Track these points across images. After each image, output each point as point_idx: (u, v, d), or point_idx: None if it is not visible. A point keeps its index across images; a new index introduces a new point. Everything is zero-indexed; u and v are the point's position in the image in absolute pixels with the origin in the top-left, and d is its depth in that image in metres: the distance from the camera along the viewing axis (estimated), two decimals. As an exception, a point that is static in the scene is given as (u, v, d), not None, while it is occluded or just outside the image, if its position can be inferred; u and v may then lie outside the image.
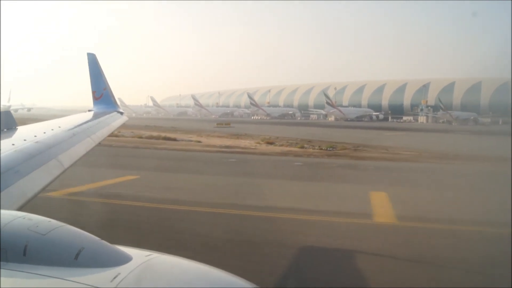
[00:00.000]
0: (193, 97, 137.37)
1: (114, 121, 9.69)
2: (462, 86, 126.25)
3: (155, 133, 40.51)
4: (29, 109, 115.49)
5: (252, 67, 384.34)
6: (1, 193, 3.36)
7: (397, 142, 39.20)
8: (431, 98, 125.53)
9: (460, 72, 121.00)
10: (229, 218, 11.26)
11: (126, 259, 2.07)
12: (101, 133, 7.52)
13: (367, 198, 13.59)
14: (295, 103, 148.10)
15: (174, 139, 35.93)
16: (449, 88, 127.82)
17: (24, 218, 2.28)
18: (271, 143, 35.08)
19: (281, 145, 33.75)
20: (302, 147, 32.59)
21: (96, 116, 9.43)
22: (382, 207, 12.53)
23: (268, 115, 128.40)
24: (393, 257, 8.57)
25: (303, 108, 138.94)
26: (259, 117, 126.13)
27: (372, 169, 21.77)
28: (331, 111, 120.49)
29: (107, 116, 9.75)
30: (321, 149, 31.33)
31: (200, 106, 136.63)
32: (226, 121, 78.76)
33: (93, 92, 11.54)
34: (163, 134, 38.57)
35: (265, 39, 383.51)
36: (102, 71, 11.99)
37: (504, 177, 17.98)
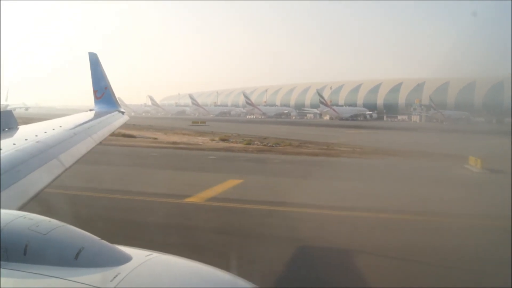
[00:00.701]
0: (191, 96, 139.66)
1: (115, 121, 9.72)
2: (456, 86, 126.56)
3: (123, 131, 42.65)
4: (26, 108, 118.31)
5: (250, 67, 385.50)
6: (2, 193, 3.34)
7: (349, 139, 40.83)
8: (426, 97, 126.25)
9: (456, 71, 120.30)
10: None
11: (126, 259, 2.09)
12: (102, 133, 7.51)
13: (214, 184, 15.80)
14: (292, 102, 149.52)
15: (132, 136, 38.01)
16: (444, 87, 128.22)
17: (24, 217, 2.29)
18: (225, 140, 37.00)
19: (232, 142, 35.67)
20: (249, 143, 34.47)
21: (97, 115, 9.47)
22: (214, 191, 14.66)
23: (263, 114, 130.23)
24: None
25: (300, 108, 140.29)
26: (254, 116, 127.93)
27: (278, 162, 23.69)
28: (325, 110, 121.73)
29: (108, 115, 9.77)
30: (265, 145, 33.18)
31: (197, 105, 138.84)
32: (202, 120, 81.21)
33: (95, 92, 11.62)
34: (123, 132, 40.75)
35: (264, 39, 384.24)
36: (103, 70, 12.08)
37: (412, 171, 19.67)
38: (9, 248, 2.09)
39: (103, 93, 11.57)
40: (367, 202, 13.33)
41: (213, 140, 37.37)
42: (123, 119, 10.63)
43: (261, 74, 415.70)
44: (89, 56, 11.67)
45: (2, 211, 2.36)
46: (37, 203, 3.65)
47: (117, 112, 10.80)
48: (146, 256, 2.12)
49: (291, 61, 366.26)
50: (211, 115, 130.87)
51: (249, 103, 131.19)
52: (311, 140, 37.52)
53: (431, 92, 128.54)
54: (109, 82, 11.99)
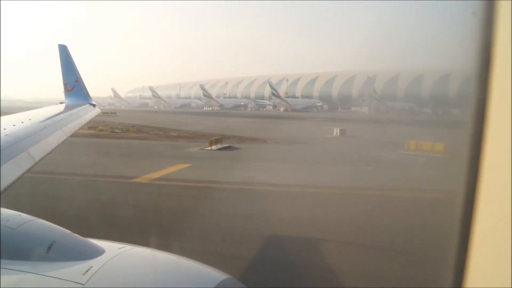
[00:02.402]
0: (151, 89, 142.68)
1: (87, 113, 9.51)
2: (406, 78, 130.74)
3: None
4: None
5: (213, 59, 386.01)
6: None
7: (218, 126, 45.28)
8: (377, 89, 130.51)
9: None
10: None
11: (98, 252, 2.10)
12: (73, 126, 7.36)
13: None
14: (252, 94, 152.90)
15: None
16: (394, 79, 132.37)
17: None
18: (92, 128, 40.79)
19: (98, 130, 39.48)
20: (101, 130, 38.30)
21: (68, 108, 9.30)
22: None
23: (221, 106, 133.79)
24: None
25: (260, 99, 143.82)
26: (210, 108, 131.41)
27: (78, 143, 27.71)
28: (277, 102, 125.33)
29: (79, 108, 9.59)
30: (112, 131, 37.25)
31: (158, 97, 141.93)
32: (112, 110, 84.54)
33: (65, 84, 11.36)
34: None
35: (234, 30, 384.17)
36: (73, 63, 11.77)
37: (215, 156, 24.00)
38: None
39: (73, 85, 11.38)
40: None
41: (93, 127, 41.33)
42: (95, 112, 10.38)
43: (224, 67, 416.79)
44: (59, 48, 11.37)
45: None
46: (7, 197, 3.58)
47: (88, 105, 10.61)
48: (119, 248, 2.13)
49: (255, 53, 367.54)
50: (172, 107, 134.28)
51: (206, 95, 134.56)
52: (176, 127, 41.68)
53: (383, 84, 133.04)
54: (79, 75, 11.77)
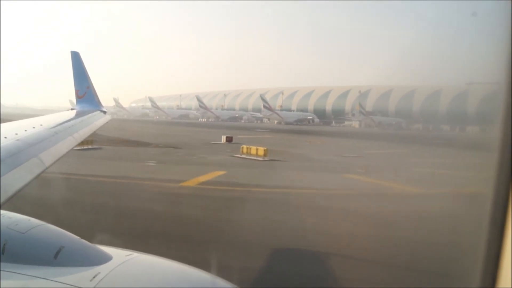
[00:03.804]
0: (150, 100, 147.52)
1: (97, 120, 9.57)
2: (398, 93, 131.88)
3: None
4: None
5: (215, 72, 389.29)
6: None
7: (154, 134, 48.66)
8: (370, 104, 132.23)
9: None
10: None
11: (106, 258, 2.12)
12: (84, 132, 7.47)
13: None
14: (249, 106, 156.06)
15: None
16: (387, 95, 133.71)
17: (3, 216, 2.33)
18: None
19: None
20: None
21: (78, 114, 9.37)
22: None
23: (216, 117, 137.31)
24: None
25: (257, 112, 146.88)
26: (205, 120, 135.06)
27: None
28: (268, 114, 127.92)
29: (90, 115, 9.67)
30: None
31: (157, 108, 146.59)
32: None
33: (76, 91, 11.45)
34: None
35: (226, 46, 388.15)
36: (85, 69, 11.89)
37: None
38: None
39: (85, 92, 11.48)
40: None
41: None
42: (105, 118, 10.45)
43: (233, 80, 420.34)
44: (71, 54, 11.50)
45: None
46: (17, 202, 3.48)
47: (99, 111, 10.70)
48: (126, 256, 2.17)
49: (262, 66, 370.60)
50: (170, 118, 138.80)
51: (202, 106, 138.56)
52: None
53: (375, 99, 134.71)
54: (91, 82, 11.92)
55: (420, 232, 12.33)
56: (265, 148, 30.44)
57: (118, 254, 2.19)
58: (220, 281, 2.14)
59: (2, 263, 1.98)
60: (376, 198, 17.85)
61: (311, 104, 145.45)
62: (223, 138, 42.90)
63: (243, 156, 30.64)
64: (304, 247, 10.80)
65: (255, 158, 29.65)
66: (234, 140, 42.31)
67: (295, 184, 20.43)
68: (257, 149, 30.85)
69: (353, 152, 35.46)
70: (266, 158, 29.22)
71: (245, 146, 32.37)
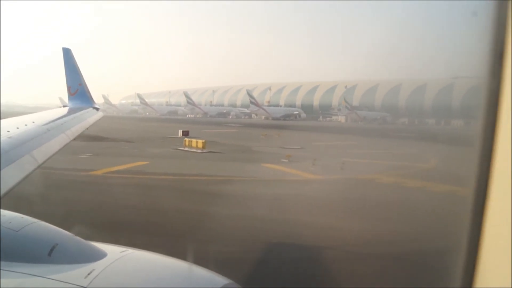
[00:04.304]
0: (139, 96, 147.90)
1: (90, 117, 9.46)
2: (385, 88, 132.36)
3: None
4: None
5: (205, 68, 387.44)
6: None
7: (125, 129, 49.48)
8: (356, 98, 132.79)
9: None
10: None
11: (100, 255, 2.11)
12: (76, 129, 7.39)
13: None
14: (238, 102, 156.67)
15: None
16: (373, 89, 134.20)
17: None
18: None
19: None
20: None
21: (71, 111, 9.29)
22: None
23: (204, 113, 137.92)
24: None
25: (246, 107, 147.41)
26: (193, 116, 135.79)
27: None
28: (255, 110, 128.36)
29: (82, 112, 9.60)
30: None
31: (146, 104, 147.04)
32: None
33: (68, 88, 11.29)
34: None
35: (216, 41, 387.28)
36: (77, 66, 11.74)
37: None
38: None
39: (77, 89, 11.37)
40: None
41: None
42: (98, 115, 10.40)
43: (222, 75, 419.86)
44: (63, 51, 11.39)
45: None
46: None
47: (91, 108, 10.68)
48: (120, 252, 2.15)
49: (250, 62, 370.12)
50: (159, 114, 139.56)
51: (190, 102, 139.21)
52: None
53: (362, 93, 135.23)
54: (83, 78, 11.83)
55: (274, 212, 13.31)
56: (204, 141, 31.35)
57: (112, 251, 2.17)
58: (216, 277, 2.12)
59: None
60: (263, 183, 18.70)
61: (298, 99, 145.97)
62: (180, 132, 43.59)
63: (185, 148, 31.32)
64: (156, 221, 11.87)
65: (194, 150, 30.41)
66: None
67: (202, 172, 21.18)
68: (197, 142, 31.66)
69: (299, 145, 36.10)
70: (204, 150, 30.01)
71: (187, 139, 33.10)
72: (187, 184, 18.04)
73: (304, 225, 11.83)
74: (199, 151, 30.12)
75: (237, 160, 26.32)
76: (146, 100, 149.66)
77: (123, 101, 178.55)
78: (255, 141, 40.45)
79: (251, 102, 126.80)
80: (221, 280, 2.09)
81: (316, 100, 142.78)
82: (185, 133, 43.24)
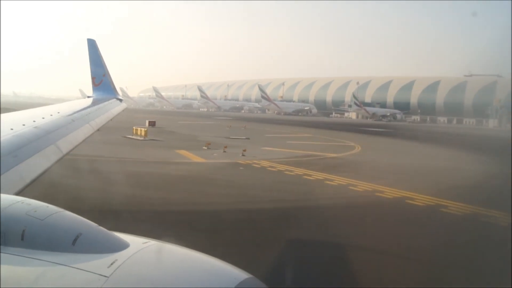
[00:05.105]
0: (155, 89, 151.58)
1: (113, 108, 9.48)
2: (398, 84, 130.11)
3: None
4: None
5: (222, 62, 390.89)
6: (0, 177, 3.30)
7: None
8: (369, 95, 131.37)
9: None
10: None
11: (123, 245, 2.12)
12: (100, 120, 7.46)
13: None
14: (252, 97, 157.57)
15: None
16: (386, 86, 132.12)
17: (22, 202, 2.31)
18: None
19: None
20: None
21: (95, 102, 9.33)
22: None
23: (218, 107, 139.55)
24: None
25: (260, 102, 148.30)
26: (206, 110, 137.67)
27: None
28: (266, 104, 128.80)
29: (106, 102, 9.62)
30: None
31: (162, 98, 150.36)
32: None
33: (93, 79, 11.39)
34: None
35: (234, 37, 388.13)
36: (102, 57, 11.83)
37: None
38: (6, 232, 2.08)
39: (101, 80, 11.46)
40: None
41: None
42: (121, 106, 10.44)
43: (238, 70, 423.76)
44: (88, 42, 11.52)
45: (0, 195, 2.35)
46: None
47: (115, 99, 10.73)
48: (143, 243, 2.15)
49: (266, 57, 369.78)
50: (174, 107, 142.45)
51: (203, 96, 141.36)
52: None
53: (375, 90, 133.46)
54: (107, 69, 11.87)
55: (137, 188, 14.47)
56: (145, 129, 33.01)
57: (135, 242, 2.19)
58: (238, 271, 2.10)
59: (21, 249, 2.04)
60: (143, 164, 20.17)
61: (312, 95, 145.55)
62: (146, 123, 45.09)
63: (132, 136, 32.73)
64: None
65: (137, 138, 31.90)
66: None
67: (118, 155, 22.90)
68: (141, 130, 33.15)
69: (252, 136, 37.21)
70: (146, 138, 31.52)
71: (134, 128, 34.54)
72: (89, 165, 18.90)
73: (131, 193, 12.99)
74: (141, 138, 31.56)
75: (162, 147, 27.68)
76: (163, 94, 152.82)
77: (141, 94, 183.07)
78: (213, 132, 41.65)
79: (262, 97, 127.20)
80: (243, 274, 2.07)
81: (329, 96, 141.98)
82: (152, 123, 44.79)
